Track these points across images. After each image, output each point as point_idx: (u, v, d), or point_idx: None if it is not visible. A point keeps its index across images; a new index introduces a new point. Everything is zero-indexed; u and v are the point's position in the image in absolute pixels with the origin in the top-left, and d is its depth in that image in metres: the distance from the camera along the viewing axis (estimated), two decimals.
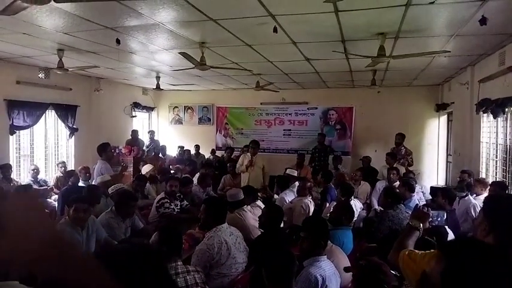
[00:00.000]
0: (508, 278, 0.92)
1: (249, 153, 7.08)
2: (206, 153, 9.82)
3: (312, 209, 4.99)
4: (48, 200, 6.32)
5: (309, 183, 5.38)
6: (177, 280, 2.42)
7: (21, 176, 7.11)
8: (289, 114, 10.27)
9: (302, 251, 2.66)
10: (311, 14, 3.82)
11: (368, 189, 6.52)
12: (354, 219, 4.91)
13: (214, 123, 11.01)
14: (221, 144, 10.78)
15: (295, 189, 5.56)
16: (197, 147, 9.73)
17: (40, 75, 7.18)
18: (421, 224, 1.88)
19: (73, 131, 7.93)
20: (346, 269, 2.32)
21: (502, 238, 1.48)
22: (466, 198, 4.93)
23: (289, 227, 4.21)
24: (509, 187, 4.87)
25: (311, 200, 5.05)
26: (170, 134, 11.34)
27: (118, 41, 4.69)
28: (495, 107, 5.02)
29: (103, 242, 3.62)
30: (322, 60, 6.15)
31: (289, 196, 5.50)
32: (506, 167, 5.06)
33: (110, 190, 4.92)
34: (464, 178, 5.69)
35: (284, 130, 10.33)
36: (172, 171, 7.70)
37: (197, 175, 6.81)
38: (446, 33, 4.52)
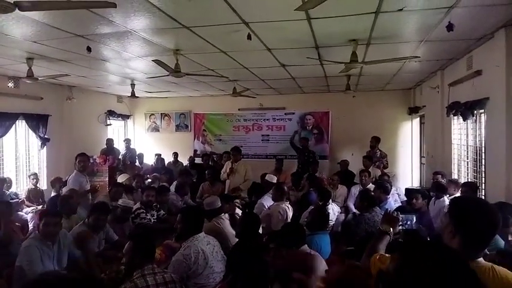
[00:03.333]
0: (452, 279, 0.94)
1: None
2: (184, 160, 9.71)
3: (290, 214, 4.97)
4: (19, 213, 6.09)
5: (285, 187, 5.38)
6: (156, 278, 2.55)
7: None
8: (267, 119, 10.32)
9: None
10: (284, 22, 3.86)
11: (345, 192, 6.57)
12: (332, 223, 4.97)
13: (192, 130, 10.93)
14: (199, 151, 10.70)
15: None
16: (175, 154, 9.60)
17: (9, 85, 6.95)
18: (391, 229, 1.91)
19: (44, 141, 7.69)
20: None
21: (467, 240, 1.51)
22: (441, 199, 5.07)
23: (267, 234, 4.19)
24: (480, 187, 5.02)
25: (289, 206, 5.04)
26: (147, 142, 11.17)
27: (89, 49, 4.59)
28: (464, 109, 5.17)
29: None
30: (297, 66, 6.21)
31: (267, 201, 5.47)
32: (476, 168, 5.20)
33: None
34: (437, 179, 5.83)
35: (262, 135, 10.37)
36: (149, 180, 7.59)
37: (175, 183, 6.73)
38: (416, 39, 4.65)
